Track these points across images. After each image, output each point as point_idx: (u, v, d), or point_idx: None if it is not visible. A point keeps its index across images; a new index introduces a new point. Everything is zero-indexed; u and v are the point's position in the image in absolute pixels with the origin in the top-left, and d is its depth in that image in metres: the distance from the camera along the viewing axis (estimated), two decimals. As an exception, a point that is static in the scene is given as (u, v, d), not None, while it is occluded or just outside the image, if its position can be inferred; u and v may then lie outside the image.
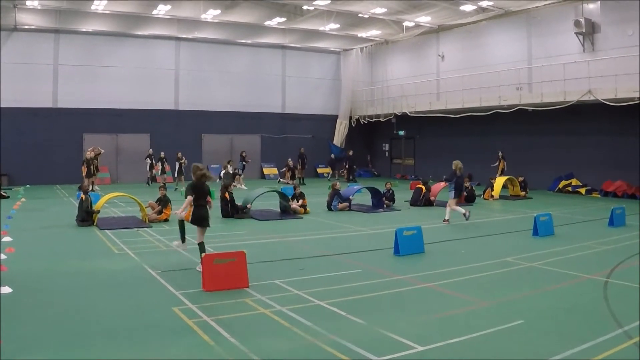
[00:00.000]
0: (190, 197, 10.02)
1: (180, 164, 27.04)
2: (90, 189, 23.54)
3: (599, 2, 24.79)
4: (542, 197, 24.72)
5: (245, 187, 26.94)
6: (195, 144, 33.58)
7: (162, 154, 28.69)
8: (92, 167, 25.62)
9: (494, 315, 7.59)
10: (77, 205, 16.24)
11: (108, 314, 7.61)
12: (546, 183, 27.33)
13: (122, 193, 18.04)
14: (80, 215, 15.70)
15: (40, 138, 29.29)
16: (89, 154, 26.06)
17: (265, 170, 35.75)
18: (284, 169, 31.86)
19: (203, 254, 9.61)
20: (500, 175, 26.65)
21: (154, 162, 28.83)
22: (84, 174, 25.35)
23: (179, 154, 27.33)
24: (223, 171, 24.94)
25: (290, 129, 36.87)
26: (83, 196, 15.93)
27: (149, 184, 28.45)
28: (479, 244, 13.48)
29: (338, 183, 20.75)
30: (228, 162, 26.69)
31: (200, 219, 10.28)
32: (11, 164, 28.05)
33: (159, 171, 28.68)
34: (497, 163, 28.09)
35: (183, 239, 11.01)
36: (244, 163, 29.75)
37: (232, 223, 16.66)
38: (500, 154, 28.00)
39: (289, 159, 31.84)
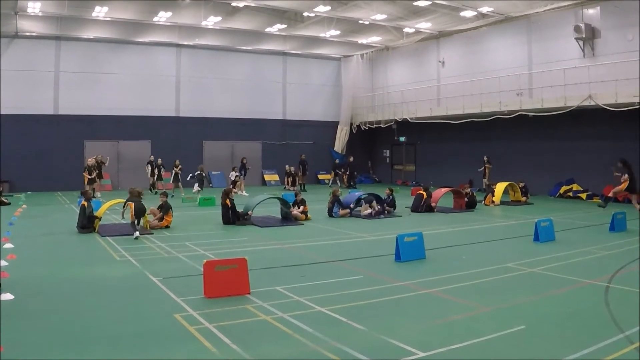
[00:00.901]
0: (131, 203, 15.20)
1: (176, 172, 27.19)
2: (92, 195, 23.57)
3: (598, 7, 24.85)
4: (543, 202, 24.72)
5: (246, 194, 26.95)
6: (197, 151, 33.64)
7: (160, 161, 28.72)
8: (93, 174, 25.64)
9: (496, 321, 7.58)
10: (78, 212, 16.26)
11: (109, 320, 7.61)
12: (547, 188, 27.33)
13: (123, 200, 18.02)
14: (81, 222, 15.71)
15: (42, 145, 29.35)
16: (91, 160, 26.11)
17: (267, 177, 35.77)
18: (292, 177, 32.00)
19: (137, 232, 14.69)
20: (486, 179, 26.72)
21: (154, 168, 28.78)
22: (85, 181, 25.40)
23: (176, 162, 27.44)
24: (197, 172, 25.84)
25: (291, 135, 36.92)
26: (85, 203, 15.94)
27: (151, 191, 28.32)
28: (480, 250, 13.48)
29: (339, 189, 20.79)
30: (233, 169, 28.62)
31: (138, 213, 15.23)
32: (12, 171, 28.10)
33: (155, 177, 28.72)
34: (483, 168, 28.26)
35: (135, 230, 14.83)
36: (244, 169, 29.81)
37: (233, 230, 16.68)
38: (485, 158, 28.01)
39: (290, 167, 31.95)
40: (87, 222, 15.65)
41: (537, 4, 26.44)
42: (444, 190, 22.65)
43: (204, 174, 26.75)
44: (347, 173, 34.04)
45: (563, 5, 25.99)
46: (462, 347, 6.57)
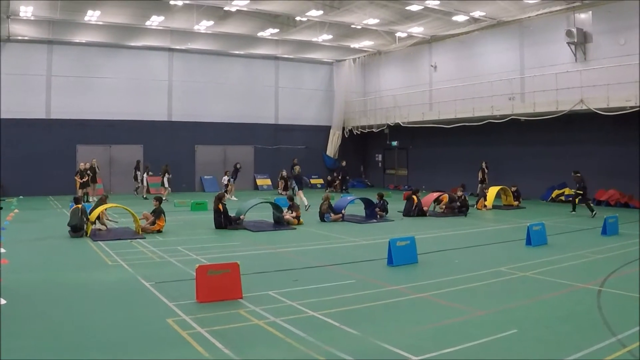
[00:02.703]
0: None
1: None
2: (85, 199, 23.53)
3: (590, 12, 25.01)
4: (535, 206, 24.80)
5: (235, 199, 26.79)
6: (189, 155, 33.59)
7: (137, 162, 28.75)
8: (85, 178, 25.55)
9: (488, 325, 7.59)
10: (69, 215, 16.14)
11: (102, 325, 7.57)
12: (539, 192, 27.41)
13: (115, 204, 17.97)
14: (72, 222, 15.55)
15: (34, 149, 29.18)
16: (82, 165, 26.02)
17: (259, 181, 35.69)
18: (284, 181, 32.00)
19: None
20: (481, 184, 26.84)
21: (148, 172, 28.66)
22: (77, 185, 25.32)
23: (165, 166, 27.50)
24: (167, 176, 27.09)
25: (284, 139, 36.90)
26: (78, 206, 15.85)
27: (136, 194, 28.55)
28: (473, 254, 13.50)
29: (329, 194, 20.81)
30: (226, 173, 28.98)
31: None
32: (4, 175, 27.88)
33: (136, 178, 28.74)
34: (482, 174, 28.33)
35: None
36: (236, 174, 29.79)
37: (225, 234, 16.65)
38: (483, 164, 28.06)
39: (282, 171, 31.97)
40: (79, 223, 15.47)
41: (529, 9, 26.55)
42: (435, 194, 22.66)
43: (168, 172, 27.48)
44: (340, 178, 34.03)
45: (555, 10, 26.10)
46: (455, 351, 6.58)
